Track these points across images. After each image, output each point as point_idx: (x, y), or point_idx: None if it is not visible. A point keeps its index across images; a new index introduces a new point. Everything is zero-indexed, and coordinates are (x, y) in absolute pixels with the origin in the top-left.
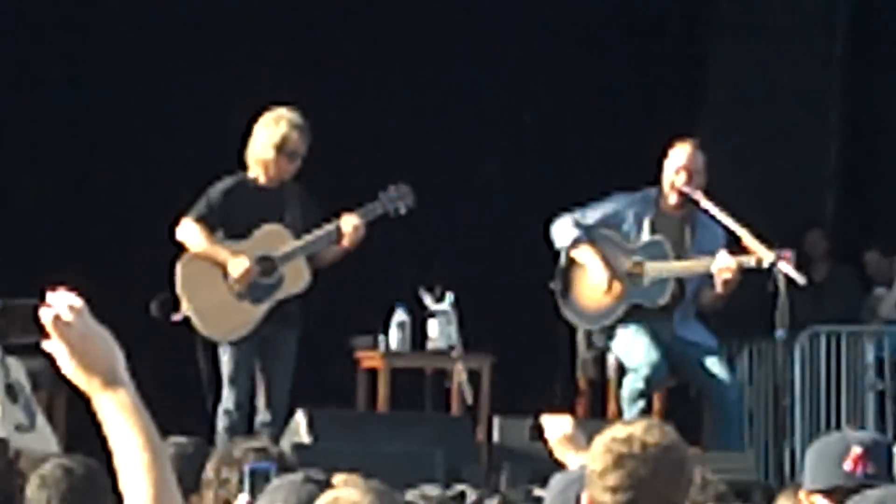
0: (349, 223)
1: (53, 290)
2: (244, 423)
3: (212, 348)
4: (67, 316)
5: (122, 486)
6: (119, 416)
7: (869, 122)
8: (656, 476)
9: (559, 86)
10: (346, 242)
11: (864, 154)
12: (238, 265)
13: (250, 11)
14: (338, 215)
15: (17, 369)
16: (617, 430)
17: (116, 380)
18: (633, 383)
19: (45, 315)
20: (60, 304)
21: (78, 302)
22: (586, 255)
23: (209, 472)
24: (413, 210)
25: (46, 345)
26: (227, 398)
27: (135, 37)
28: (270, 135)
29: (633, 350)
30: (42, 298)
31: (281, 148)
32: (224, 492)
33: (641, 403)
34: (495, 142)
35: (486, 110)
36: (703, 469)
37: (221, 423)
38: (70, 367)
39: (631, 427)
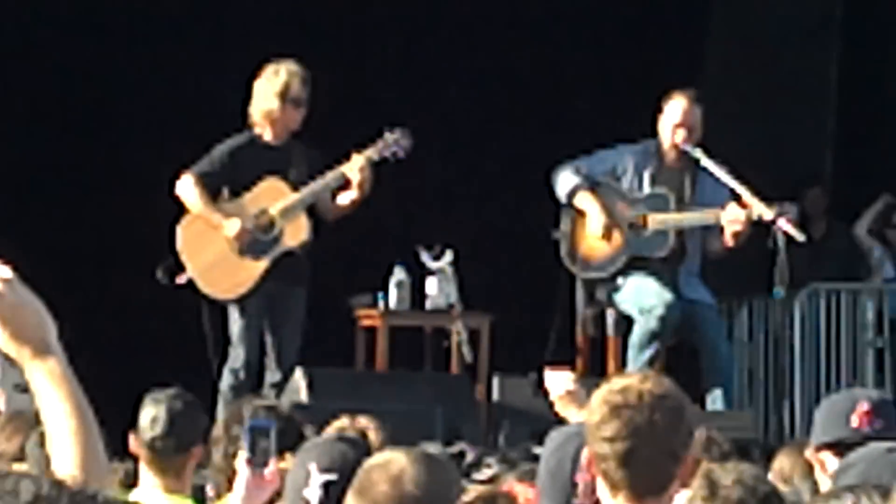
0: (354, 165)
1: None
2: (251, 383)
3: (219, 311)
4: None
5: (51, 451)
6: (48, 384)
7: (868, 80)
8: (654, 425)
9: (559, 38)
10: (355, 185)
11: (862, 112)
12: (231, 226)
13: None
14: (338, 162)
15: None
16: (613, 382)
17: (47, 349)
18: (646, 324)
19: None
20: None
21: (7, 272)
22: (586, 202)
23: (219, 429)
24: (411, 156)
25: None
26: (235, 357)
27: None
28: (273, 85)
29: (645, 292)
30: None
31: (285, 95)
32: (234, 448)
33: (651, 351)
34: (493, 97)
35: (483, 62)
36: (708, 428)
37: (227, 381)
38: (0, 337)
39: (627, 378)
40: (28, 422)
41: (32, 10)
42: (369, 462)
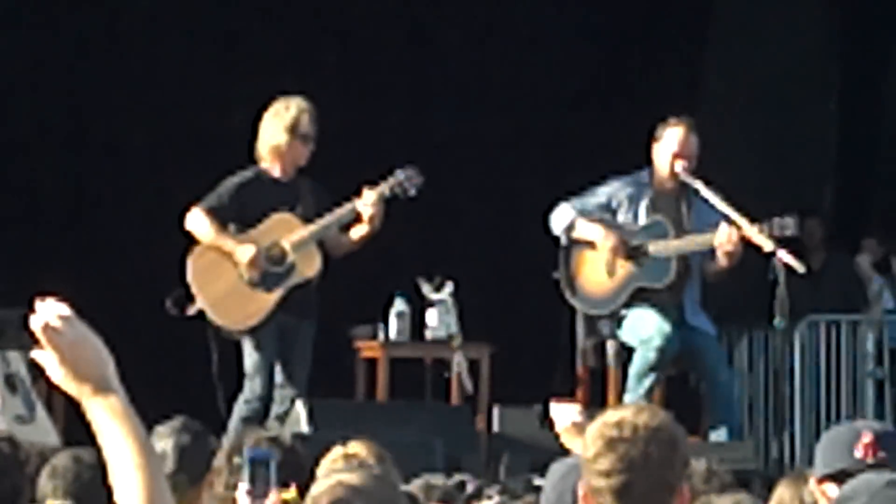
0: (367, 200)
1: (42, 298)
2: (263, 415)
3: (229, 343)
4: (56, 324)
5: (115, 489)
6: (110, 421)
7: (867, 111)
8: (648, 458)
9: (560, 70)
10: (366, 220)
11: (861, 143)
12: (245, 252)
13: (251, 8)
14: (346, 200)
15: (17, 361)
16: (608, 416)
17: (107, 386)
18: (644, 354)
19: (35, 323)
20: (49, 312)
21: (66, 310)
22: (588, 228)
23: (220, 459)
24: (420, 192)
25: (36, 353)
26: (250, 389)
27: (137, 31)
28: (282, 120)
29: (644, 323)
30: (31, 307)
31: (294, 130)
32: (234, 479)
33: (649, 381)
34: (494, 130)
35: (485, 98)
36: (709, 459)
37: (240, 412)
38: (59, 375)
39: (621, 411)
40: (29, 454)
41: (40, 44)
42: (322, 482)
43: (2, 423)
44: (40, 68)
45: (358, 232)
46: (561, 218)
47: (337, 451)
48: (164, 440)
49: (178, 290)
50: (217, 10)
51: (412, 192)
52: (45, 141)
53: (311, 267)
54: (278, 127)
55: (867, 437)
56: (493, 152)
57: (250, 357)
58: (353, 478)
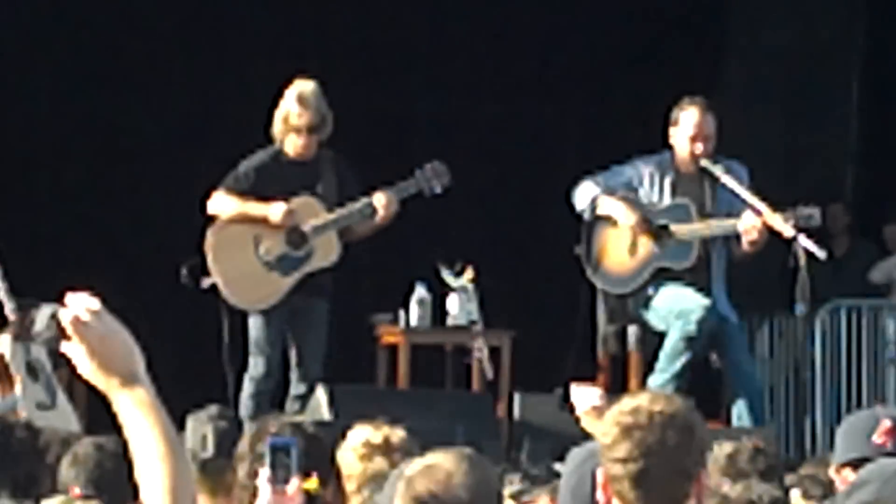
0: (382, 200)
1: (73, 291)
2: (273, 393)
3: (240, 316)
4: (86, 317)
5: (140, 479)
6: (137, 413)
7: (890, 96)
8: (664, 444)
9: (579, 56)
10: (379, 218)
11: (884, 128)
12: (277, 210)
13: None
14: (372, 189)
15: (38, 348)
16: (624, 403)
17: (135, 378)
18: (683, 327)
19: (64, 317)
20: (78, 305)
21: (96, 303)
22: (611, 205)
23: (244, 445)
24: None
25: (65, 346)
26: (255, 365)
27: (152, 16)
28: (280, 110)
29: (683, 296)
30: (61, 300)
31: (287, 122)
32: (258, 465)
33: (684, 359)
34: (514, 116)
35: (504, 84)
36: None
37: (247, 390)
38: (88, 368)
39: (637, 399)
40: (51, 440)
41: (49, 39)
42: (412, 467)
43: (23, 410)
44: (50, 63)
45: (370, 224)
46: (585, 194)
47: (361, 435)
48: (205, 426)
49: (194, 259)
50: None
51: (438, 190)
52: (66, 134)
53: (329, 254)
54: (278, 116)
55: (886, 424)
56: (512, 137)
57: (257, 333)
58: (446, 461)
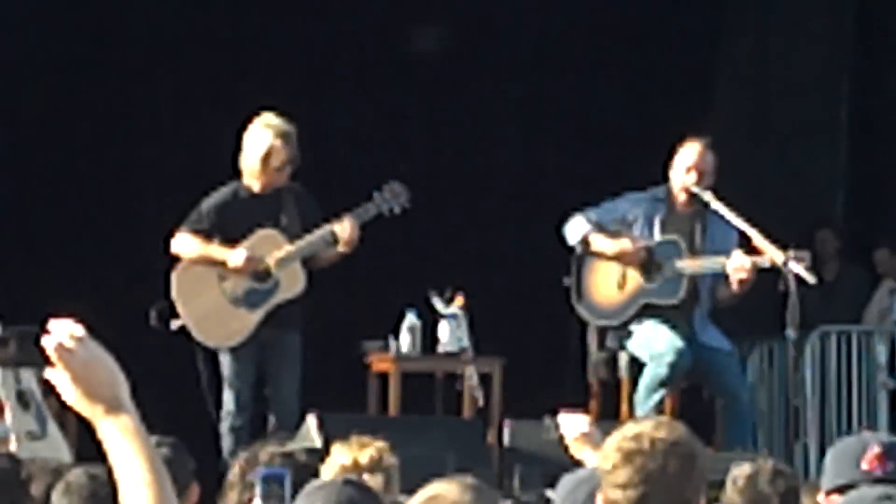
0: (345, 227)
1: (56, 317)
2: (249, 425)
3: (212, 353)
4: (70, 344)
5: None
6: (122, 440)
7: (879, 121)
8: (665, 471)
9: (568, 84)
10: (341, 246)
11: (873, 153)
12: (236, 256)
13: (239, 17)
14: (338, 216)
15: (29, 377)
16: (627, 429)
17: (119, 406)
18: (654, 370)
19: (48, 343)
20: (62, 331)
21: (80, 329)
22: (602, 241)
23: (234, 474)
24: (409, 209)
25: (49, 373)
26: (228, 400)
27: (119, 53)
28: (256, 145)
29: (657, 338)
30: (44, 327)
31: (266, 159)
32: (248, 495)
33: (658, 396)
34: (505, 143)
35: (496, 110)
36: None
37: (225, 424)
38: (72, 395)
39: (640, 425)
40: (40, 470)
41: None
42: (417, 497)
43: (12, 441)
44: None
45: (334, 252)
46: (576, 229)
47: (340, 457)
48: None
49: (162, 302)
50: (204, 16)
51: (397, 210)
52: (36, 162)
53: (295, 285)
54: (252, 152)
55: (875, 450)
56: (502, 164)
57: (227, 369)
58: (452, 492)
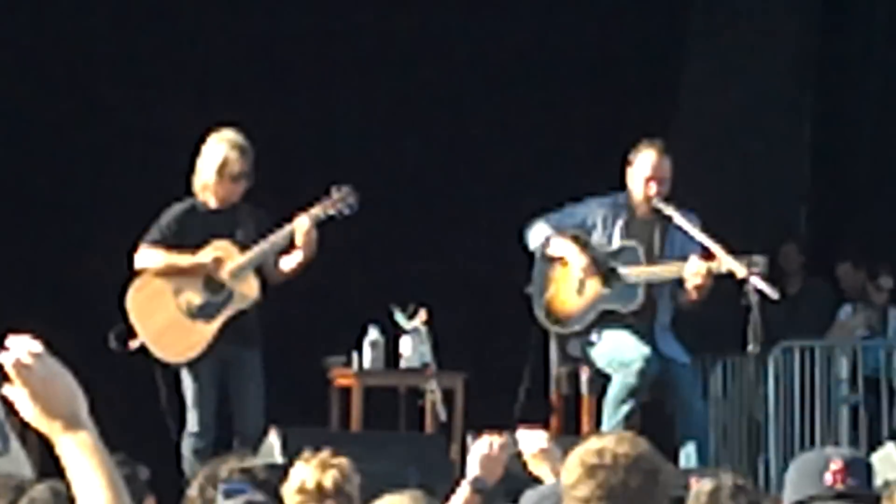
0: (300, 225)
1: (13, 334)
2: (212, 445)
3: (171, 374)
4: (27, 360)
5: None
6: (81, 456)
7: (843, 136)
8: (627, 486)
9: (530, 90)
10: (300, 245)
11: (836, 169)
12: (205, 255)
13: (188, 37)
14: (289, 220)
15: None
16: (589, 443)
17: (78, 422)
18: (623, 380)
19: (6, 360)
20: (20, 348)
21: (37, 346)
22: (562, 246)
23: (193, 490)
24: (370, 224)
25: (7, 389)
26: (192, 421)
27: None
28: (212, 158)
29: (624, 346)
30: (2, 343)
31: (222, 171)
32: None
33: (627, 407)
34: (466, 157)
35: (455, 113)
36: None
37: (188, 446)
38: (31, 412)
39: (603, 440)
40: (9, 487)
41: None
42: None
43: None
44: None
45: (294, 259)
46: (537, 234)
47: (302, 476)
48: None
49: (120, 325)
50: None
51: (347, 211)
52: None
53: (249, 295)
54: (208, 165)
55: (836, 464)
56: (464, 177)
57: (188, 389)
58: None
